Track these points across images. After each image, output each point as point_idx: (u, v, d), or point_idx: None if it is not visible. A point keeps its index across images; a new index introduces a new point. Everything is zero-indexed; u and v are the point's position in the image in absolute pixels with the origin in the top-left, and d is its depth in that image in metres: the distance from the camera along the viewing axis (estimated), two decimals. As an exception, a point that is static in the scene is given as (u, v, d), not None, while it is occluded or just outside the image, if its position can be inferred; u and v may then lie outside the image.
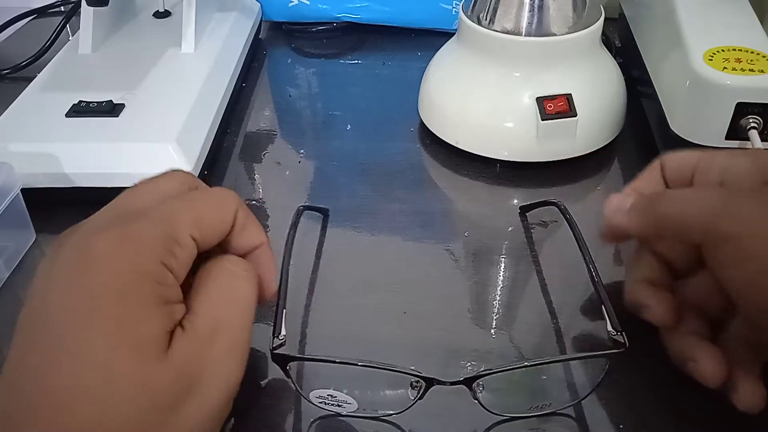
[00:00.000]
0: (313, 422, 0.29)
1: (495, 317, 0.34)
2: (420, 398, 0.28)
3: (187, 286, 0.25)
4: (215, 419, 0.24)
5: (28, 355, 0.22)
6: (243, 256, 0.28)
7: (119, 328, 0.22)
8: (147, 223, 0.24)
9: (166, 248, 0.24)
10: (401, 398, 0.28)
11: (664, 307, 0.29)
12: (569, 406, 0.29)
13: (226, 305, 0.25)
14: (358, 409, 0.28)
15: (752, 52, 0.40)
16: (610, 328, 0.28)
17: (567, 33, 0.43)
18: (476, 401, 0.28)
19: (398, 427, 0.29)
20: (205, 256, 0.27)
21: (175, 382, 0.22)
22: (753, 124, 0.38)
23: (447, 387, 0.27)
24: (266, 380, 0.31)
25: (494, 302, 0.35)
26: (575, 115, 0.42)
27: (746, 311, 0.26)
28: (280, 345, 0.28)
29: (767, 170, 0.27)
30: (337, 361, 0.27)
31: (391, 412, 0.29)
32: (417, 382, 0.28)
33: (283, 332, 0.28)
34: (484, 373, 0.27)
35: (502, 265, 0.38)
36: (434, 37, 0.57)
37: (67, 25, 0.59)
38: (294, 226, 0.35)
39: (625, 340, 0.27)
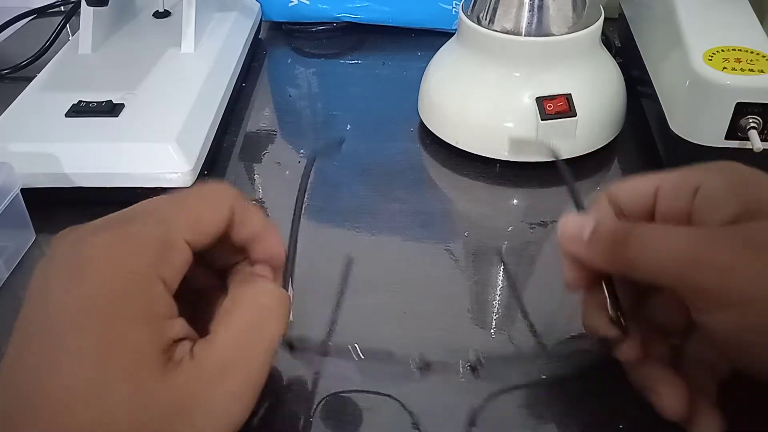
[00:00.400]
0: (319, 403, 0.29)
1: (495, 317, 0.34)
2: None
3: (214, 307, 0.25)
4: None
5: (25, 356, 0.21)
6: (248, 245, 0.27)
7: (109, 344, 0.21)
8: (140, 227, 0.24)
9: (159, 256, 0.23)
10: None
11: (627, 342, 0.28)
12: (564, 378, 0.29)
13: (247, 342, 0.24)
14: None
15: (752, 52, 0.40)
16: (609, 311, 0.27)
17: (567, 33, 0.43)
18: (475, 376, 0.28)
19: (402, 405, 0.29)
20: (234, 267, 0.27)
21: (169, 407, 0.21)
22: (753, 124, 0.38)
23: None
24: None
25: (494, 302, 0.35)
26: (575, 115, 0.42)
27: (724, 351, 0.25)
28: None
29: (741, 195, 0.25)
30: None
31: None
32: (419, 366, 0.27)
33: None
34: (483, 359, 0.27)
35: (502, 265, 0.38)
36: (434, 37, 0.58)
37: (67, 25, 0.59)
38: (305, 177, 0.33)
39: (624, 323, 0.27)
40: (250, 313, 0.24)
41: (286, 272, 0.28)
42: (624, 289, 0.28)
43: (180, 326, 0.23)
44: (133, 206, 0.26)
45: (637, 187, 0.28)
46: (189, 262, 0.25)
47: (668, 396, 0.27)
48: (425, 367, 0.27)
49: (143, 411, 0.21)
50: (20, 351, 0.22)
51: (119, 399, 0.21)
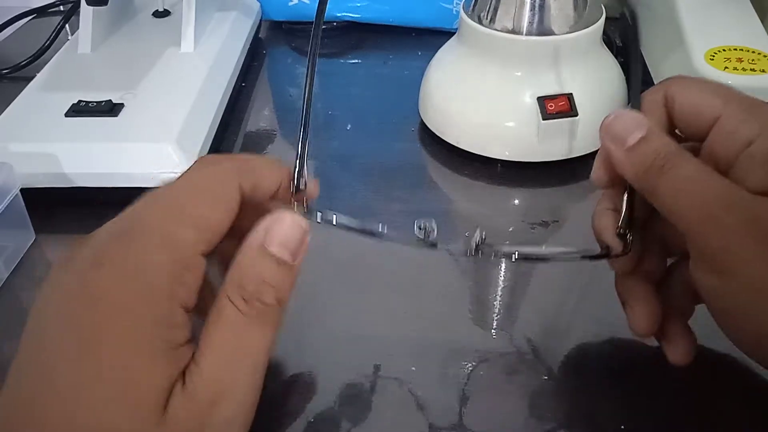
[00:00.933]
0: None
1: (495, 317, 0.34)
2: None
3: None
4: None
5: (22, 394, 0.20)
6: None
7: (117, 382, 0.20)
8: (146, 253, 0.22)
9: (174, 282, 0.21)
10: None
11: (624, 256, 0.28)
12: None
13: (231, 363, 0.22)
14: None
15: (753, 52, 0.40)
16: (620, 223, 0.27)
17: (568, 32, 0.43)
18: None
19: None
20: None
21: None
22: (754, 124, 0.38)
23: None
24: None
25: (494, 302, 0.35)
26: (576, 115, 0.42)
27: (706, 305, 0.26)
28: (302, 188, 0.26)
29: None
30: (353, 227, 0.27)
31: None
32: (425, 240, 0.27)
33: (306, 173, 0.26)
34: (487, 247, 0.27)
35: (502, 265, 0.38)
36: (435, 37, 0.57)
37: (67, 25, 0.59)
38: (320, 16, 0.30)
39: (629, 241, 0.27)
40: (227, 331, 0.22)
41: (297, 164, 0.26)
42: (642, 200, 0.27)
43: (192, 349, 0.22)
44: (131, 214, 0.23)
45: (699, 105, 0.26)
46: (204, 269, 0.23)
47: (640, 315, 0.28)
48: (430, 242, 0.27)
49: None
50: (16, 393, 0.21)
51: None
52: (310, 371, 0.31)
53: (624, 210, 0.27)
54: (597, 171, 0.28)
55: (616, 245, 0.27)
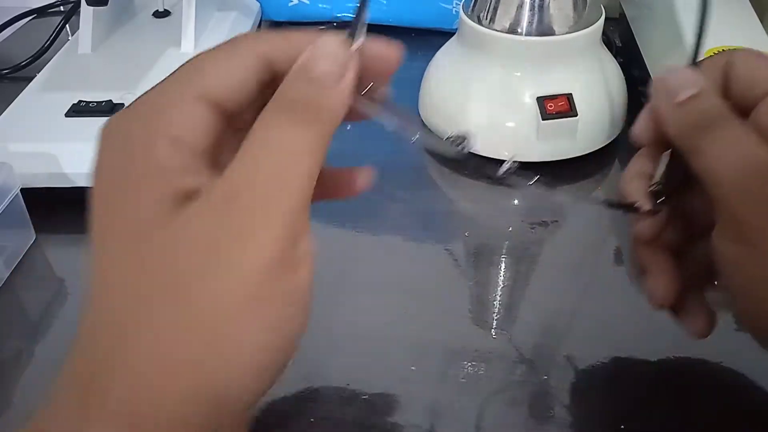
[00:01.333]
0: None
1: (495, 317, 0.34)
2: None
3: None
4: (251, 321, 0.19)
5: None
6: None
7: (111, 210, 0.21)
8: (149, 100, 0.24)
9: (162, 118, 0.22)
10: None
11: (649, 219, 0.27)
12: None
13: (256, 158, 0.20)
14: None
15: (753, 52, 0.40)
16: (656, 180, 0.26)
17: (567, 32, 0.43)
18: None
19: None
20: None
21: (174, 255, 0.19)
22: (754, 124, 0.38)
23: None
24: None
25: (494, 302, 0.35)
26: (576, 115, 0.42)
27: (723, 276, 0.25)
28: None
29: None
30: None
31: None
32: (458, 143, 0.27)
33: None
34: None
35: (502, 265, 0.38)
36: (434, 37, 0.57)
37: (67, 25, 0.59)
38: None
39: (661, 202, 0.26)
40: (263, 130, 0.20)
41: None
42: (676, 167, 0.27)
43: (200, 177, 0.20)
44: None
45: (756, 74, 0.26)
46: (213, 115, 0.22)
47: (659, 283, 0.27)
48: (463, 142, 0.27)
49: (144, 269, 0.19)
50: None
51: (120, 262, 0.20)
52: (309, 371, 0.31)
53: (666, 167, 0.26)
54: (640, 126, 0.27)
55: (646, 205, 0.26)
